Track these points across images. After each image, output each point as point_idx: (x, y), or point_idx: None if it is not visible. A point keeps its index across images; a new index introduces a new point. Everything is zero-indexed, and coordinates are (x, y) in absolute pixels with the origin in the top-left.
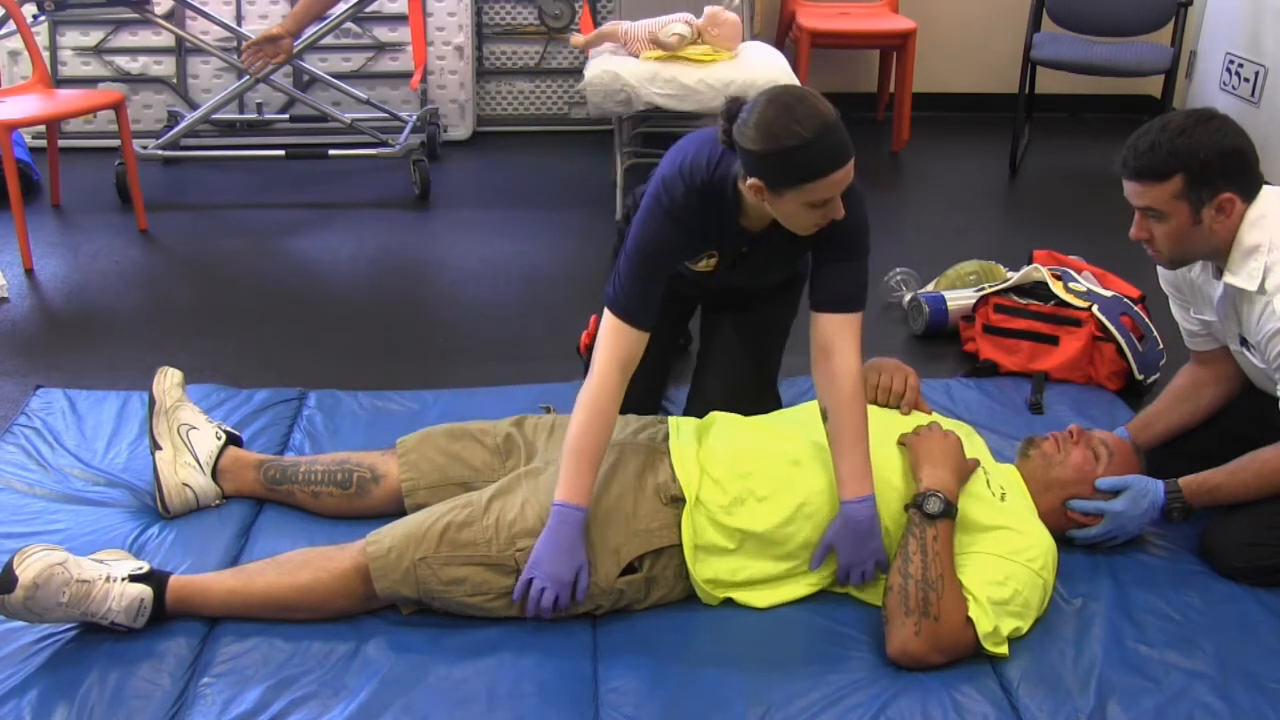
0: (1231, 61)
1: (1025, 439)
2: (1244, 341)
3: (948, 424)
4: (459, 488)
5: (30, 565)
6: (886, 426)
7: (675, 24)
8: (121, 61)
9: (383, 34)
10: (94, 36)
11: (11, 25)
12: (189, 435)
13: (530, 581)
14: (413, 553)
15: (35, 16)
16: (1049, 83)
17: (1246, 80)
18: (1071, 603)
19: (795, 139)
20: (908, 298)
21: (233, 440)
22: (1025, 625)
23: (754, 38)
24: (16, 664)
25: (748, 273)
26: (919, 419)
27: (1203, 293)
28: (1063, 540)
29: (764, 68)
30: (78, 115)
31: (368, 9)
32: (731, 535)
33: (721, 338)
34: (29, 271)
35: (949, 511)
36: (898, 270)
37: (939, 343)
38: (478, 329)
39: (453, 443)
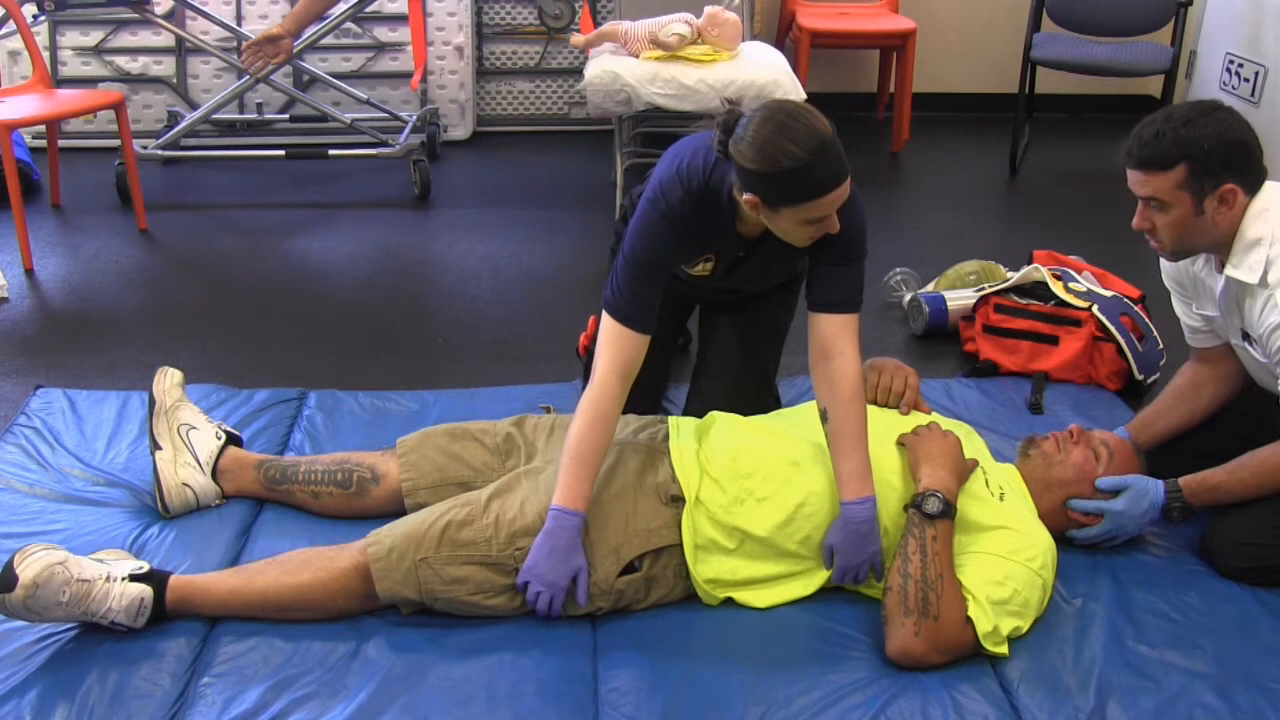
0: (1231, 61)
1: (1025, 439)
2: (1245, 336)
3: (947, 424)
4: (459, 488)
5: (30, 564)
6: (886, 426)
7: (675, 24)
8: (121, 61)
9: (383, 34)
10: (94, 36)
11: (11, 25)
12: (189, 435)
13: (527, 584)
14: (414, 553)
15: (35, 16)
16: (1049, 83)
17: (1246, 80)
18: (1071, 603)
19: (792, 160)
20: (908, 298)
21: (233, 440)
22: (1025, 625)
23: (754, 38)
24: (16, 664)
25: (745, 276)
26: (919, 419)
27: (1204, 286)
28: (1063, 540)
29: (764, 68)
30: (78, 115)
31: (368, 9)
32: (731, 534)
33: (720, 338)
34: (29, 271)
35: (948, 511)
36: (898, 270)
37: (939, 343)
38: (478, 329)
39: (453, 443)
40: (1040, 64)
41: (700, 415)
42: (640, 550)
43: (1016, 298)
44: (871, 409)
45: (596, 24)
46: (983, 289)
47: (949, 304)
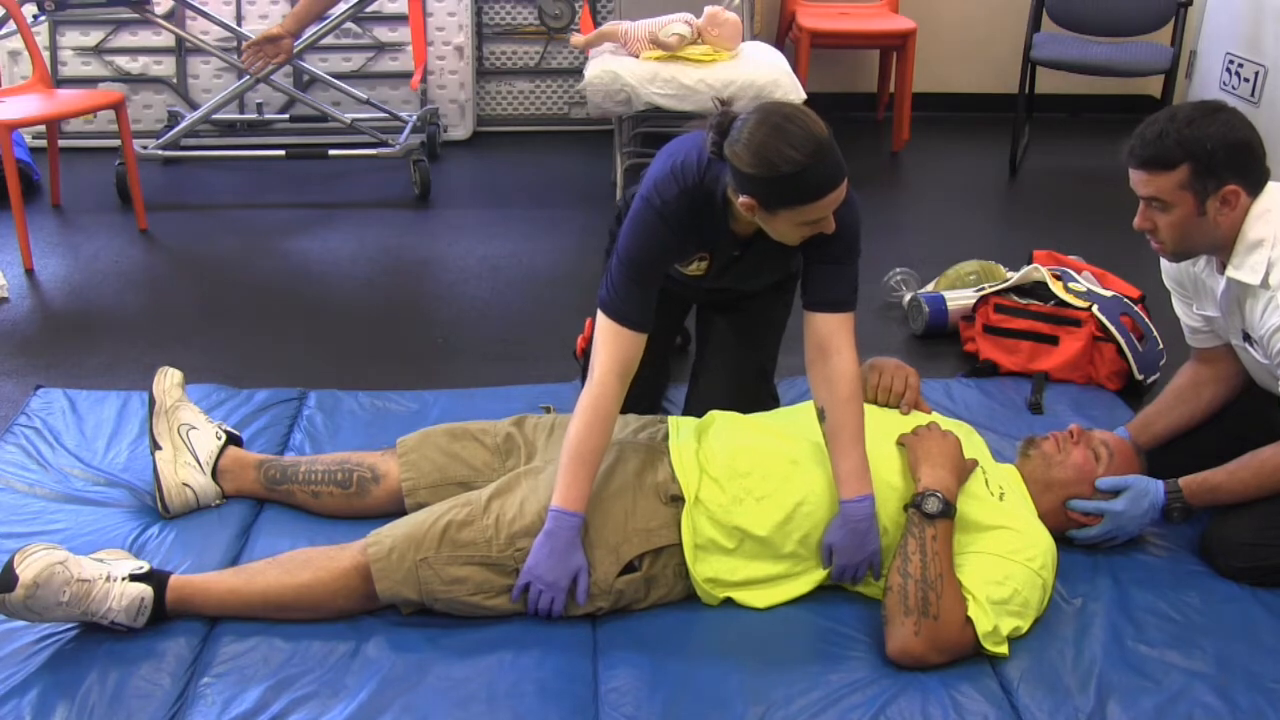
0: (1231, 61)
1: (1025, 439)
2: (1246, 337)
3: (947, 424)
4: (459, 487)
5: (31, 564)
6: (886, 426)
7: (675, 24)
8: (121, 61)
9: (383, 34)
10: (94, 36)
11: (11, 25)
12: (189, 435)
13: (528, 585)
14: (414, 554)
15: (35, 16)
16: (1049, 83)
17: (1246, 80)
18: (1071, 603)
19: (789, 164)
20: (908, 298)
21: (233, 440)
22: (1025, 625)
23: (754, 38)
24: (16, 664)
25: (739, 275)
26: (919, 419)
27: (1205, 287)
28: (1063, 540)
29: (764, 68)
30: (78, 115)
31: (368, 9)
32: (731, 534)
33: (717, 337)
34: (29, 271)
35: (948, 511)
36: (898, 270)
37: (939, 343)
38: (478, 329)
39: (453, 443)
40: (1040, 64)
41: (700, 414)
42: (640, 550)
43: (1016, 298)
44: (872, 409)
45: (596, 24)
46: (983, 289)
47: (949, 304)
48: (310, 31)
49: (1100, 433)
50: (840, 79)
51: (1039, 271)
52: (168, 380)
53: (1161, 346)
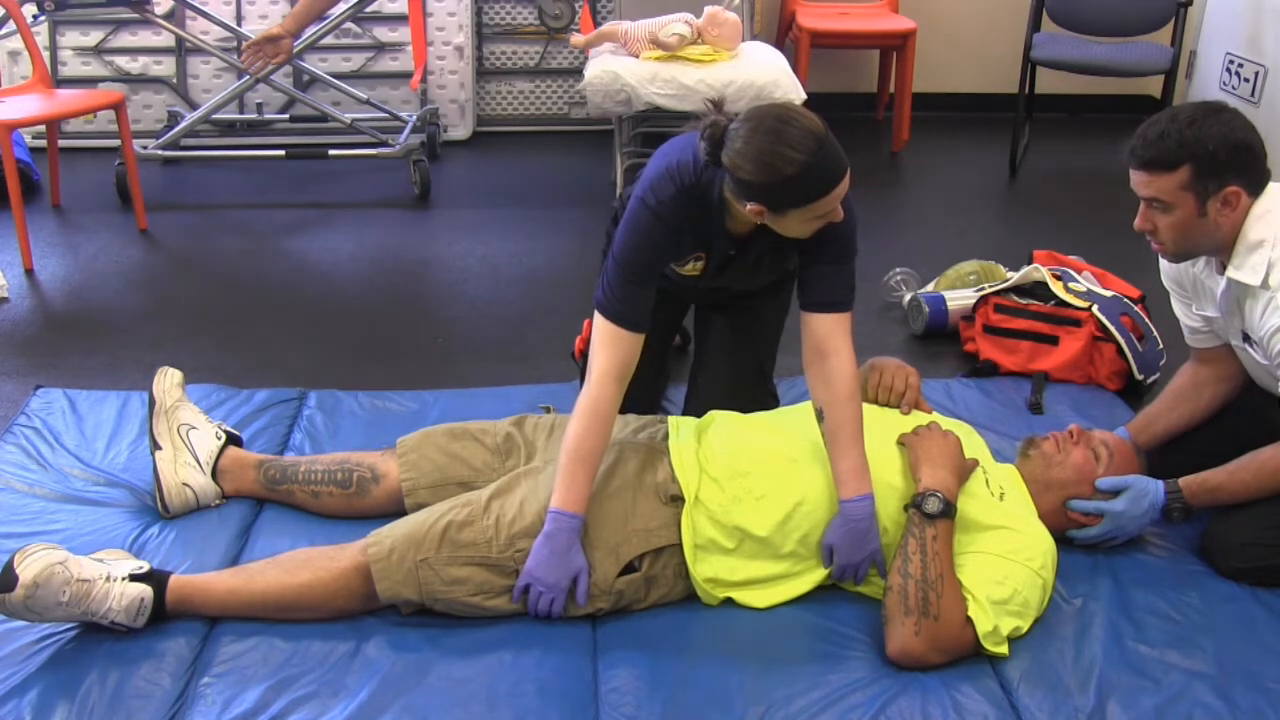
0: (1231, 61)
1: (1025, 439)
2: (1246, 337)
3: (947, 424)
4: (459, 487)
5: (31, 564)
6: (886, 426)
7: (675, 24)
8: (121, 61)
9: (383, 34)
10: (94, 36)
11: (11, 25)
12: (189, 435)
13: (528, 586)
14: (414, 554)
15: (35, 16)
16: (1049, 83)
17: (1246, 80)
18: (1071, 603)
19: (793, 166)
20: (908, 298)
21: (233, 440)
22: (1025, 625)
23: (754, 38)
24: (16, 664)
25: (735, 275)
26: (919, 419)
27: (1205, 288)
28: (1063, 540)
29: (764, 68)
30: (78, 115)
31: (368, 9)
32: (731, 534)
33: (715, 337)
34: (29, 271)
35: (948, 511)
36: (898, 270)
37: (939, 343)
38: (478, 329)
39: (453, 442)
40: (1040, 64)
41: (699, 414)
42: (640, 550)
43: (1016, 298)
44: (872, 408)
45: (596, 24)
46: (983, 289)
47: (949, 304)
48: (310, 31)
49: (1100, 433)
50: (840, 79)
51: (1039, 271)
52: (168, 380)
53: (1161, 346)
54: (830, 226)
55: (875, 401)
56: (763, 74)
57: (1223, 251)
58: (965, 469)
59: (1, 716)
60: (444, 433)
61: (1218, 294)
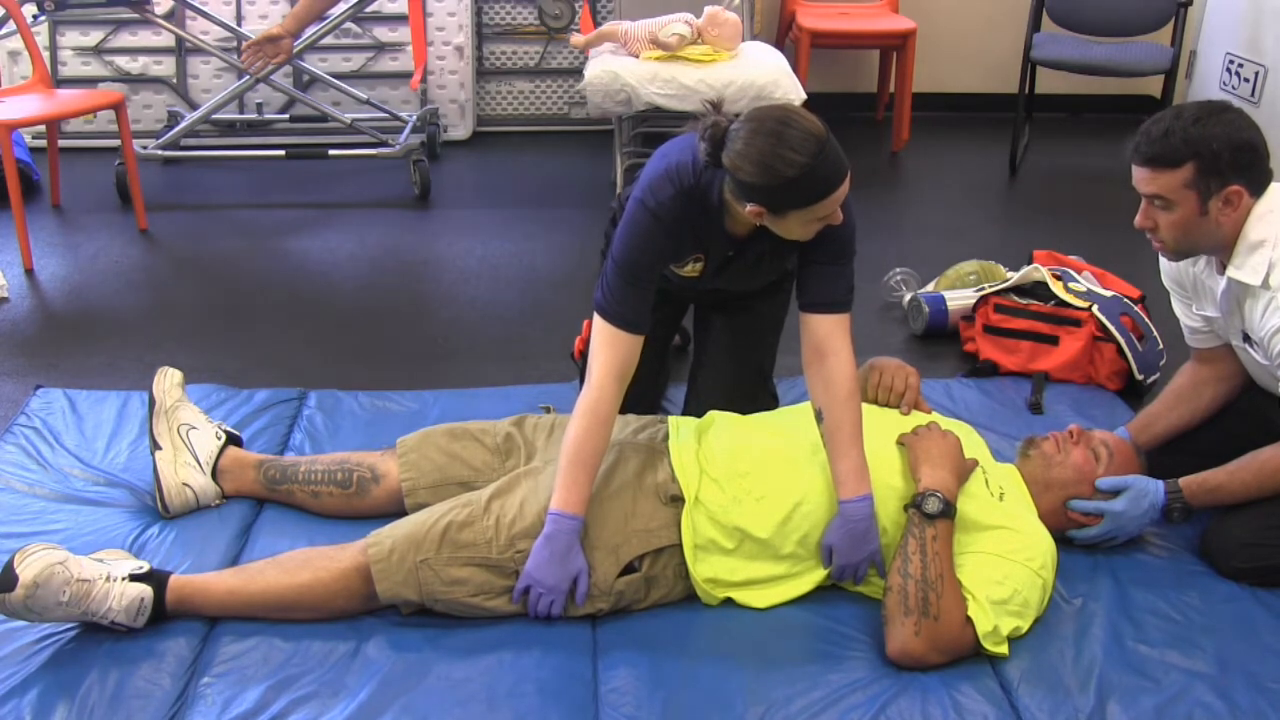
0: (1231, 61)
1: (1025, 439)
2: (1246, 338)
3: (947, 424)
4: (459, 488)
5: (31, 564)
6: (886, 426)
7: (675, 24)
8: (121, 61)
9: (383, 34)
10: (94, 36)
11: (11, 25)
12: (189, 435)
13: (528, 588)
14: (414, 554)
15: (35, 16)
16: (1049, 83)
17: (1246, 80)
18: (1071, 603)
19: (794, 168)
20: (908, 298)
21: (233, 440)
22: (1025, 625)
23: (754, 38)
24: (16, 664)
25: (734, 277)
26: (919, 419)
27: (1205, 288)
28: (1063, 540)
29: (764, 68)
30: (78, 115)
31: (368, 9)
32: (731, 534)
33: (715, 337)
34: (29, 271)
35: (948, 511)
36: (898, 270)
37: (939, 343)
38: (478, 329)
39: (453, 442)
40: (1040, 64)
41: (699, 414)
42: (640, 550)
43: (1016, 298)
44: (872, 409)
45: (596, 24)
46: (983, 289)
47: (949, 304)
48: (310, 31)
49: (1100, 433)
50: (840, 79)
51: (1039, 271)
52: (168, 380)
53: (1161, 346)
54: (830, 228)
55: (875, 402)
56: (763, 74)
57: (1223, 251)
58: (965, 469)
59: (1, 716)
60: (444, 433)
61: (1218, 294)
